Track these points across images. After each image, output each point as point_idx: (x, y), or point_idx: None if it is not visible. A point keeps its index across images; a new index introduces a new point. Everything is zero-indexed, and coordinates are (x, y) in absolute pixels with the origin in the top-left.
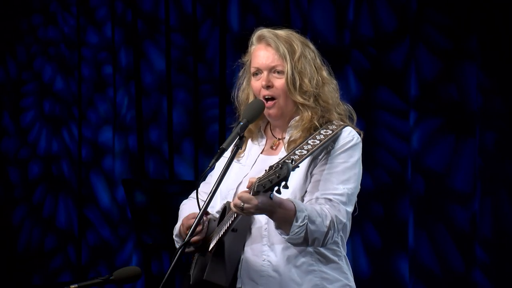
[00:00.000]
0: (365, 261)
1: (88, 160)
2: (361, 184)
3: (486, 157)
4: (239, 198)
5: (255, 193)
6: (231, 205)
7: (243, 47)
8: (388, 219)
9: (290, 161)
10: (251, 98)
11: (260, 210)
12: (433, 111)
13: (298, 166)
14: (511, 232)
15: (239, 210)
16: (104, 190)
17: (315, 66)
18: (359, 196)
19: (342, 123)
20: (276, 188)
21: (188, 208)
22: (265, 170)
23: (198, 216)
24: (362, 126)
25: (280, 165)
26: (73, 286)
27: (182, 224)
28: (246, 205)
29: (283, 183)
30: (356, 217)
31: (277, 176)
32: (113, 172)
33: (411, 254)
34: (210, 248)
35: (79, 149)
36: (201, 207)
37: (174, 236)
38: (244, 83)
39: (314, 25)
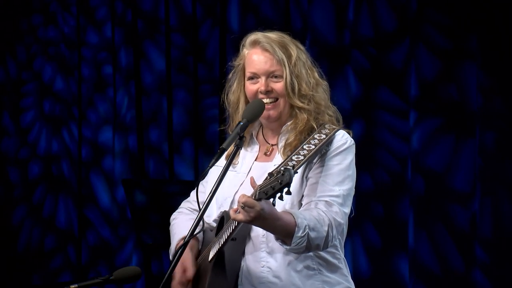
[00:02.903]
0: (365, 261)
1: (88, 160)
2: (361, 184)
3: (486, 157)
4: (243, 203)
5: (257, 200)
6: (231, 212)
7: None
8: (388, 219)
9: (291, 166)
10: (242, 100)
11: (261, 218)
12: (433, 111)
13: (297, 172)
14: (511, 232)
15: (239, 214)
16: (104, 190)
17: (308, 68)
18: (359, 196)
19: (334, 126)
20: (278, 194)
21: (179, 227)
22: (266, 177)
23: (196, 221)
24: (362, 126)
25: (282, 171)
26: (73, 286)
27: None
28: (247, 209)
29: (285, 189)
30: (356, 217)
31: (279, 182)
32: (113, 172)
33: (411, 254)
34: (210, 258)
35: (79, 149)
36: (200, 210)
37: (170, 257)
38: (235, 85)
39: (314, 25)
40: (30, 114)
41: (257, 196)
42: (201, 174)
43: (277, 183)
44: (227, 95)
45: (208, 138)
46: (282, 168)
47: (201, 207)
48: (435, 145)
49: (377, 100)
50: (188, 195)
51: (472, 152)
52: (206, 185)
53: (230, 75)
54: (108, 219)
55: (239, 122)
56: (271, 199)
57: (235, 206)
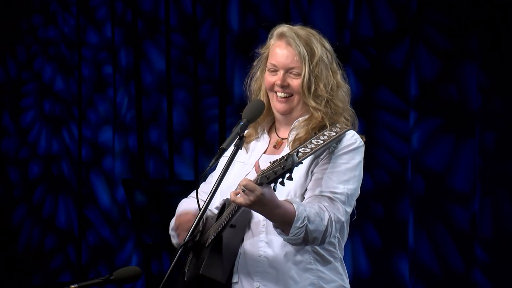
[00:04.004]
0: (365, 261)
1: (88, 160)
2: (361, 184)
3: (486, 157)
4: (244, 185)
5: (259, 185)
6: (231, 194)
7: (243, 47)
8: (388, 219)
9: (295, 153)
10: (263, 89)
11: (261, 202)
12: (433, 111)
13: (302, 163)
14: (511, 232)
15: (239, 197)
16: (104, 190)
17: (331, 70)
18: (359, 196)
19: (345, 126)
20: (280, 179)
21: (186, 205)
22: (270, 162)
23: (199, 216)
24: (362, 126)
25: (285, 157)
26: (73, 286)
27: (177, 218)
28: (247, 192)
29: (287, 175)
30: (356, 217)
31: (281, 167)
32: (113, 172)
33: (411, 254)
34: (207, 244)
35: (79, 149)
36: (201, 207)
37: (170, 231)
38: (258, 73)
39: (314, 25)
40: (30, 114)
41: (258, 180)
42: (201, 174)
43: (279, 168)
44: (250, 82)
45: (208, 138)
46: (286, 154)
47: (202, 205)
48: (435, 145)
49: (377, 100)
50: (188, 195)
51: (472, 152)
52: (214, 175)
53: (255, 62)
54: (108, 219)
55: (239, 122)
56: (272, 184)
57: None
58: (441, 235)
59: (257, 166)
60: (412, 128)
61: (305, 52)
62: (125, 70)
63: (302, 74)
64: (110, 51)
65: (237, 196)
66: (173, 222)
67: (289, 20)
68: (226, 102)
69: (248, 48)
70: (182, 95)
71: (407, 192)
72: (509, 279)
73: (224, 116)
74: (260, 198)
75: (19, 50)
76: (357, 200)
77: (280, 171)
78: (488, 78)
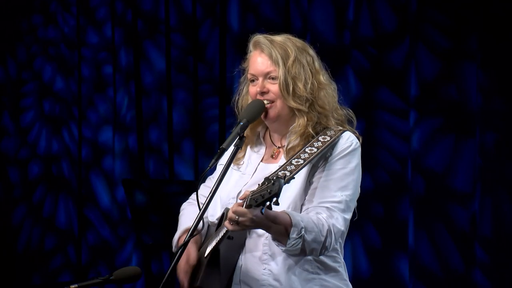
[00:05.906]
0: (365, 261)
1: (88, 160)
2: (361, 184)
3: (486, 157)
4: (234, 212)
5: (248, 207)
6: (226, 224)
7: (243, 47)
8: (388, 219)
9: (283, 176)
10: None
11: (255, 223)
12: (433, 111)
13: (294, 178)
14: (511, 232)
15: (235, 224)
16: (104, 190)
17: (311, 71)
18: (359, 196)
19: (340, 128)
20: (267, 203)
21: (186, 217)
22: (258, 184)
23: (198, 217)
24: (362, 126)
25: (272, 181)
26: (73, 286)
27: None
28: (241, 219)
29: (274, 199)
30: (357, 217)
31: (268, 192)
32: (113, 172)
33: (411, 254)
34: (205, 255)
35: (79, 149)
36: (200, 210)
37: (173, 248)
38: (244, 89)
39: (314, 25)
40: (30, 114)
41: (247, 202)
42: (201, 174)
43: (266, 192)
44: (237, 99)
45: (208, 138)
46: (274, 178)
47: (200, 209)
48: (435, 145)
49: (377, 100)
50: (188, 195)
51: (472, 152)
52: (212, 178)
53: (242, 79)
54: (108, 219)
55: (239, 122)
56: (261, 207)
57: None
58: (441, 235)
59: (244, 195)
60: (412, 128)
61: (278, 55)
62: (125, 70)
63: (279, 76)
64: (110, 51)
65: (231, 224)
66: (175, 239)
67: (289, 20)
68: (226, 102)
69: (248, 48)
70: (182, 95)
71: (407, 192)
72: (509, 279)
73: (224, 116)
74: (253, 219)
75: (19, 50)
76: (357, 200)
77: (267, 195)
78: (488, 78)
